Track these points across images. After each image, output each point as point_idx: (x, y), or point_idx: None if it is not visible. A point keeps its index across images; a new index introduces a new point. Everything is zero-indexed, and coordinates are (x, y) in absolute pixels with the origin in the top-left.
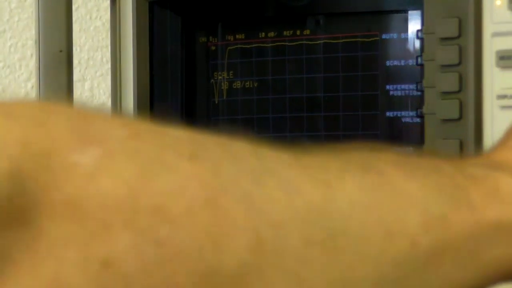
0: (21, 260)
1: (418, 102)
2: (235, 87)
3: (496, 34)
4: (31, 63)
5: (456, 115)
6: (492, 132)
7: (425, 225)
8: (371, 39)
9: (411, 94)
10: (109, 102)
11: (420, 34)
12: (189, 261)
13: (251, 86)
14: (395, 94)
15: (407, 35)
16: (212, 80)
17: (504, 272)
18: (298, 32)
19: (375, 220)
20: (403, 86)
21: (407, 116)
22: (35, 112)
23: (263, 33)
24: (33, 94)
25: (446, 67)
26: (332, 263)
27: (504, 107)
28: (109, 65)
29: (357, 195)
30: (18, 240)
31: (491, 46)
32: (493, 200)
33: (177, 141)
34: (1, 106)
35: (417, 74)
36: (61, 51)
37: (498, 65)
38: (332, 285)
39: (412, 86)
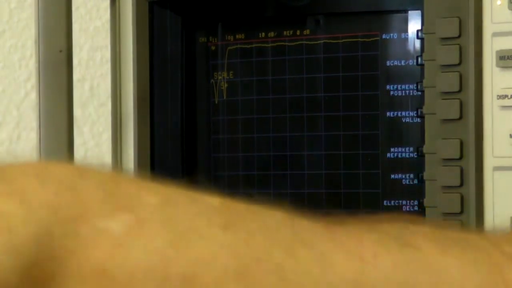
0: None
1: (418, 102)
2: (235, 87)
3: (496, 34)
4: (31, 63)
5: (456, 115)
6: (492, 132)
7: None
8: (371, 39)
9: (411, 94)
10: (108, 103)
11: (420, 34)
12: None
13: (251, 86)
14: (395, 94)
15: (407, 35)
16: (212, 80)
17: None
18: (298, 32)
19: None
20: (403, 86)
21: (408, 116)
22: (66, 175)
23: (263, 33)
24: (33, 94)
25: (446, 67)
26: None
27: (504, 107)
28: (108, 65)
29: (391, 271)
30: None
31: (491, 46)
32: None
33: (210, 209)
34: (33, 167)
35: (417, 74)
36: (61, 51)
37: (498, 65)
38: None
39: (413, 86)
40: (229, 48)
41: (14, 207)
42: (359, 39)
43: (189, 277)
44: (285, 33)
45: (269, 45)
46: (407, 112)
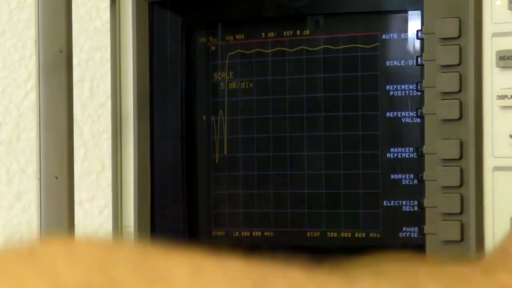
0: None
1: (418, 102)
2: (235, 87)
3: (496, 34)
4: (31, 64)
5: (456, 115)
6: (492, 132)
7: None
8: (371, 39)
9: (411, 94)
10: (108, 103)
11: (420, 34)
12: None
13: (251, 86)
14: (395, 94)
15: (407, 35)
16: (212, 81)
17: None
18: (298, 32)
19: None
20: (403, 86)
21: (407, 116)
22: (96, 254)
23: (263, 33)
24: (32, 94)
25: (446, 67)
26: None
27: (504, 107)
28: (108, 66)
29: None
30: None
31: (491, 46)
32: None
33: (240, 275)
34: (63, 247)
35: (417, 74)
36: (60, 51)
37: (498, 65)
38: None
39: (412, 86)
40: (229, 48)
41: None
42: (359, 39)
43: None
44: (285, 33)
45: (269, 45)
46: (407, 112)
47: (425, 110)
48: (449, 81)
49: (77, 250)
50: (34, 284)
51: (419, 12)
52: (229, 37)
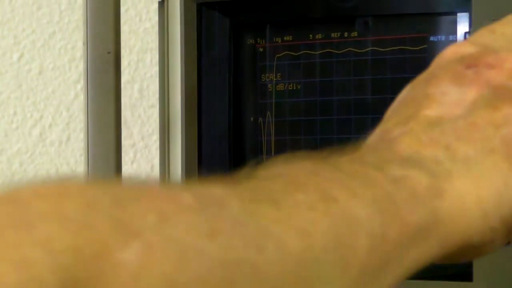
0: None
1: None
2: (282, 88)
3: None
4: (81, 65)
5: None
6: None
7: (372, 249)
8: (419, 41)
9: None
10: (157, 104)
11: (468, 36)
12: None
13: (298, 88)
14: None
15: (456, 37)
16: (260, 82)
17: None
18: (345, 34)
19: (335, 258)
20: None
21: None
22: (80, 210)
23: (311, 35)
24: (82, 95)
25: None
26: None
27: None
28: (157, 67)
29: (329, 232)
30: None
31: None
32: (412, 204)
33: (196, 219)
34: (48, 205)
35: None
36: (109, 52)
37: None
38: None
39: None
40: (277, 49)
41: (41, 255)
42: (407, 41)
43: None
44: (332, 35)
45: (317, 47)
46: None
47: None
48: None
49: (64, 208)
50: (29, 251)
51: (467, 14)
52: (277, 39)
